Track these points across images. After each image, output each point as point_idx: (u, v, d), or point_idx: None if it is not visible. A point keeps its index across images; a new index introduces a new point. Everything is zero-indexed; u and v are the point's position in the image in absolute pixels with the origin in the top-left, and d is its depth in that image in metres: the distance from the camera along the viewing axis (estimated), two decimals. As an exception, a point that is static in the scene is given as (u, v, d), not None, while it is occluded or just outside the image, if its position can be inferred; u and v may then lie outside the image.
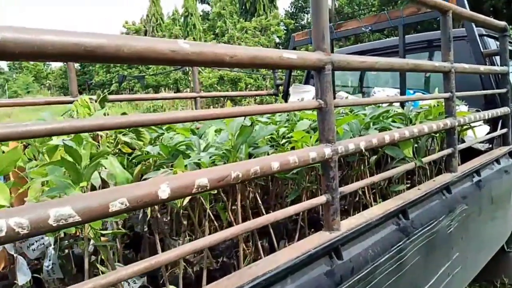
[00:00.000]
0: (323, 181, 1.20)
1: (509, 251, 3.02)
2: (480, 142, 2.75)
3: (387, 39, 3.78)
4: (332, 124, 1.18)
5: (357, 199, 2.08)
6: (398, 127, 1.86)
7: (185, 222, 1.50)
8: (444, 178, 1.85)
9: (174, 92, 13.84)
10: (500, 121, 2.68)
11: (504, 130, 2.63)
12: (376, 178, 1.45)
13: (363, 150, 1.30)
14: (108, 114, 2.20)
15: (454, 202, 1.87)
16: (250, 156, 1.49)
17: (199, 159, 1.33)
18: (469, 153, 2.66)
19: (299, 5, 30.88)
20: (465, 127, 2.57)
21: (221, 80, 12.07)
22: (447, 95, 1.88)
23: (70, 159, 1.21)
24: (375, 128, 1.80)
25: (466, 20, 2.25)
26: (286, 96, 4.03)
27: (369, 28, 3.32)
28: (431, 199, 1.76)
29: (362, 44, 4.47)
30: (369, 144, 1.32)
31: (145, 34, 27.36)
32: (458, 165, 1.97)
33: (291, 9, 31.23)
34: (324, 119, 1.17)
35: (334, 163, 1.18)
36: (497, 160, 2.49)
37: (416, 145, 1.84)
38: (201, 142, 1.62)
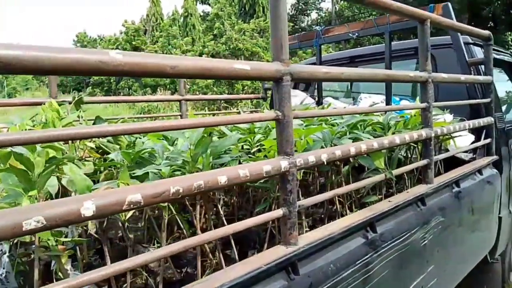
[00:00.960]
0: (281, 194, 1.17)
1: (493, 261, 2.99)
2: (464, 152, 2.73)
3: (379, 45, 3.74)
4: (290, 136, 1.15)
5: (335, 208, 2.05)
6: (377, 137, 1.84)
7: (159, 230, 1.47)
8: (419, 189, 1.82)
9: (172, 93, 13.80)
10: (484, 131, 2.65)
11: (488, 140, 2.61)
12: (341, 190, 1.42)
13: (325, 163, 1.27)
14: (81, 117, 2.17)
15: (429, 214, 1.84)
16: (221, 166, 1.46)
17: (159, 169, 1.30)
18: (455, 163, 2.64)
19: (300, 7, 30.91)
20: (446, 136, 2.54)
21: (217, 81, 12.04)
22: (423, 105, 1.85)
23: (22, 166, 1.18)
24: (349, 138, 1.77)
25: (446, 29, 2.22)
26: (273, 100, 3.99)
27: (356, 34, 3.30)
28: (404, 211, 1.73)
29: (351, 50, 4.44)
30: (332, 156, 1.29)
31: (145, 34, 27.37)
32: (435, 176, 1.93)
33: (291, 11, 31.25)
34: (282, 131, 1.14)
35: (292, 176, 1.15)
36: (479, 171, 2.46)
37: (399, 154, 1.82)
38: (171, 149, 1.60)
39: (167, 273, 1.60)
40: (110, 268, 0.83)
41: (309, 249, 1.22)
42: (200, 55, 14.33)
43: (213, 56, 14.16)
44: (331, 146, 1.71)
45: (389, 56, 3.05)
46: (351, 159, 1.75)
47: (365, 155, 1.71)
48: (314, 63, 3.73)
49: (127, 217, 1.15)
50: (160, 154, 1.41)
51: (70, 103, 2.21)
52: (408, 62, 3.53)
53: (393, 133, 2.08)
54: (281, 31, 1.12)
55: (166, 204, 1.30)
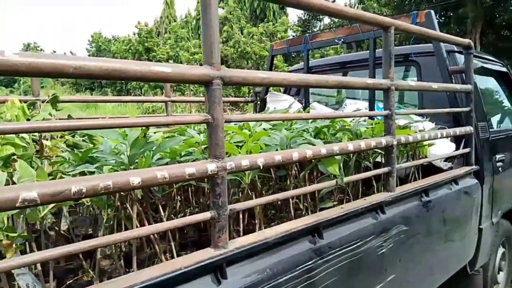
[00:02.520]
0: (210, 197, 1.18)
1: (473, 273, 2.93)
2: (445, 161, 2.70)
3: (365, 51, 3.72)
4: (220, 139, 1.16)
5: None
6: (338, 142, 1.83)
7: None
8: (377, 197, 1.81)
9: (179, 93, 13.87)
10: (463, 140, 2.61)
11: (466, 150, 2.57)
12: (278, 196, 1.41)
13: (261, 167, 1.27)
14: (53, 116, 2.21)
15: (388, 223, 1.82)
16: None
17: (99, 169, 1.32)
18: (435, 171, 2.60)
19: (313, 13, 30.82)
20: (424, 143, 2.52)
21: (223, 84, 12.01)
22: (385, 112, 1.83)
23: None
24: (301, 143, 1.76)
25: (417, 36, 2.20)
26: (264, 104, 4.01)
27: (342, 40, 3.29)
28: (360, 218, 1.71)
29: (341, 56, 4.43)
30: (270, 161, 1.29)
31: (158, 36, 27.68)
32: (397, 185, 1.92)
33: (304, 16, 31.24)
34: (211, 134, 1.15)
35: (221, 179, 1.16)
36: (455, 180, 2.43)
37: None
38: (123, 149, 1.61)
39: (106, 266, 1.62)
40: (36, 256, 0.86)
41: (240, 252, 1.22)
42: (208, 57, 14.42)
43: (221, 59, 14.21)
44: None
45: (373, 63, 3.03)
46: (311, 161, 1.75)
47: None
48: (302, 69, 3.73)
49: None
50: (107, 154, 1.43)
51: (43, 101, 2.25)
52: (396, 69, 3.49)
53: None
54: (211, 37, 1.13)
55: (104, 201, 1.32)
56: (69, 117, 2.22)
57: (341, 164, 1.66)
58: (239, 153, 1.50)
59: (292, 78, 1.36)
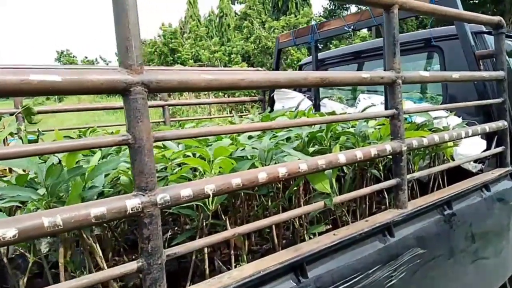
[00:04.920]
0: (139, 242, 0.90)
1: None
2: (475, 161, 2.30)
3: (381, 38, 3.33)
4: (146, 165, 0.87)
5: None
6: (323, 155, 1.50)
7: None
8: (383, 217, 1.47)
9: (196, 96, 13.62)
10: (496, 137, 2.21)
11: (500, 149, 2.16)
12: (222, 235, 1.11)
13: (211, 196, 0.98)
14: (23, 130, 2.00)
15: (398, 247, 1.49)
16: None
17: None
18: (462, 174, 2.22)
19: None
20: (449, 144, 2.14)
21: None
22: (390, 112, 1.49)
23: None
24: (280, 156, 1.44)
25: (427, 15, 1.82)
26: (272, 102, 3.69)
27: (351, 27, 2.92)
28: (360, 244, 1.39)
29: (354, 45, 4.04)
30: (225, 187, 1.00)
31: (183, 36, 27.75)
32: (409, 200, 1.57)
33: (329, 6, 30.36)
34: (134, 159, 0.87)
35: (150, 218, 0.88)
36: (486, 186, 2.03)
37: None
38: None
39: None
40: None
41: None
42: (229, 55, 14.18)
43: (242, 55, 13.94)
44: (272, 163, 1.41)
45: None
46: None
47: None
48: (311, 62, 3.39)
49: None
50: (41, 179, 1.18)
51: (11, 114, 2.07)
52: (418, 56, 3.08)
53: (368, 144, 1.74)
54: (125, 29, 0.85)
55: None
56: (39, 132, 2.02)
57: (333, 179, 1.34)
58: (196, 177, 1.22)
59: (252, 77, 1.06)
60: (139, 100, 0.86)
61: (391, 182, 1.51)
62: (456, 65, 2.52)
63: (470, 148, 2.25)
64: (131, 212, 0.85)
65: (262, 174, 1.08)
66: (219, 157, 1.24)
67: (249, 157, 1.46)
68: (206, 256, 1.28)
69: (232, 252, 1.40)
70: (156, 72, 0.89)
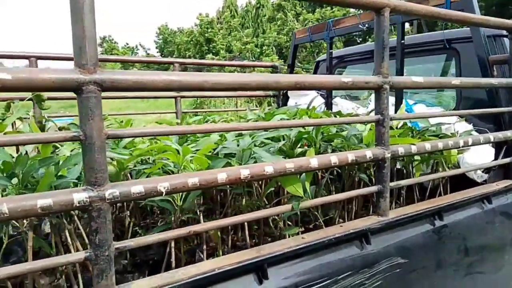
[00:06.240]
0: (88, 233, 0.94)
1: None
2: (484, 171, 2.20)
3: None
4: (96, 161, 0.91)
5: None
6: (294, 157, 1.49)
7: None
8: (361, 224, 1.45)
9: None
10: (504, 148, 2.10)
11: (507, 160, 2.05)
12: (184, 230, 1.12)
13: (163, 194, 1.00)
14: (32, 116, 2.11)
15: (376, 256, 1.46)
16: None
17: None
18: (467, 183, 2.14)
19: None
20: (453, 151, 2.06)
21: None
22: (375, 118, 1.45)
23: None
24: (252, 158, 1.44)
25: (426, 19, 1.74)
26: (286, 99, 3.67)
27: (366, 25, 2.84)
28: (333, 249, 1.37)
29: (369, 43, 3.92)
30: (180, 185, 1.02)
31: (219, 25, 27.93)
32: (391, 208, 1.54)
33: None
34: (85, 155, 0.91)
35: (98, 212, 0.92)
36: (487, 198, 1.94)
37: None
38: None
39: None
40: None
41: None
42: (261, 46, 14.14)
43: (275, 48, 13.85)
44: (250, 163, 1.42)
45: (401, 51, 2.57)
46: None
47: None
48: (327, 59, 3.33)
49: None
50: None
51: (21, 100, 2.17)
52: (435, 57, 2.97)
53: (360, 148, 1.71)
54: (81, 30, 0.88)
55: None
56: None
57: (307, 183, 1.34)
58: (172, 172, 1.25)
59: (217, 79, 1.07)
60: (91, 99, 0.89)
61: (372, 188, 1.48)
62: (472, 69, 2.40)
63: (478, 156, 2.16)
64: (78, 205, 0.89)
65: (222, 175, 1.09)
66: (190, 154, 1.26)
67: (233, 155, 1.48)
68: (172, 250, 1.32)
69: (205, 247, 1.43)
70: (111, 71, 0.92)
